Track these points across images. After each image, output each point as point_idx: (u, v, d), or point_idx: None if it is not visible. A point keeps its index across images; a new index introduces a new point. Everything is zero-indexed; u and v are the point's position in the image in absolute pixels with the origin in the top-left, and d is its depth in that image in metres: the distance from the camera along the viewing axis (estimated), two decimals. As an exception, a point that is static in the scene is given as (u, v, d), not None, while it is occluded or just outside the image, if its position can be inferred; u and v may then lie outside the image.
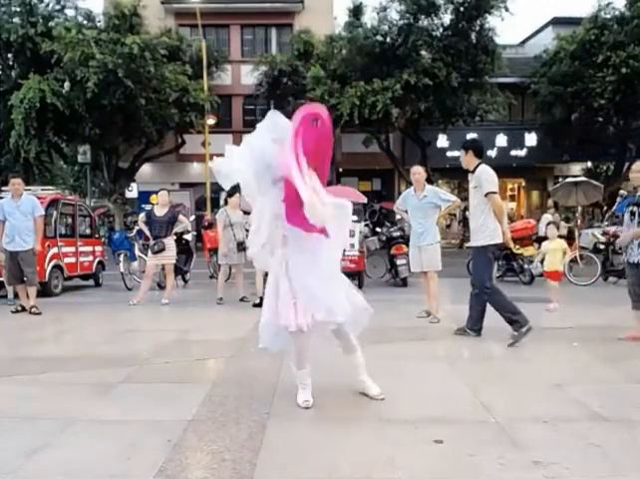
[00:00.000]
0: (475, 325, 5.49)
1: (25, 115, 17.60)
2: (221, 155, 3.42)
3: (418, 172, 6.48)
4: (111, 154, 21.74)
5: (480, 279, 5.36)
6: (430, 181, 6.57)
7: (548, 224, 8.56)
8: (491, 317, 6.32)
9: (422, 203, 6.38)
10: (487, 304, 5.42)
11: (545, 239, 7.94)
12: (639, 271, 5.24)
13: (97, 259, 10.84)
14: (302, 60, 21.09)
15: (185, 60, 20.72)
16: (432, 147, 22.18)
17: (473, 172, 5.43)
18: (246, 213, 8.31)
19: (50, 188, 14.50)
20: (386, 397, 3.58)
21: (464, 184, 27.02)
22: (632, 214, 5.24)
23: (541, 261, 7.67)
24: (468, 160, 5.47)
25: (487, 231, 5.29)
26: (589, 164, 22.68)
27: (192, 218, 13.41)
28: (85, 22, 20.21)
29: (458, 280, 10.34)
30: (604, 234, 11.06)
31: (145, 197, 20.54)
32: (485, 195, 5.27)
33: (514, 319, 5.17)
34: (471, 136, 23.38)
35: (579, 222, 14.84)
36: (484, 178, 5.29)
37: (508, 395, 3.67)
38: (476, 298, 5.45)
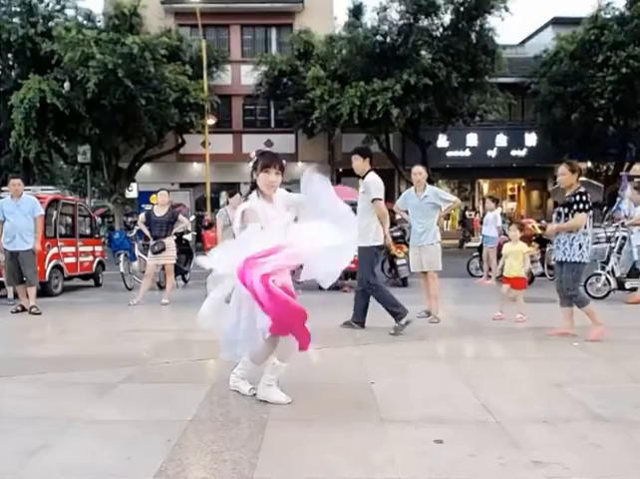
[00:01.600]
0: (359, 319, 5.85)
1: (25, 115, 17.62)
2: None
3: (419, 172, 6.49)
4: (111, 154, 21.75)
5: (365, 277, 5.71)
6: (430, 181, 6.58)
7: (511, 224, 7.15)
8: (490, 317, 6.33)
9: (422, 203, 6.39)
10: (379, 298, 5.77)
11: None
12: (562, 270, 5.34)
13: (97, 259, 10.83)
14: (302, 60, 21.09)
15: (185, 60, 20.74)
16: (432, 147, 22.19)
17: (363, 178, 5.81)
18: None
19: (50, 188, 14.49)
20: (386, 397, 3.59)
21: (464, 184, 27.20)
22: (559, 214, 5.34)
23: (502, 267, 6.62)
24: (363, 166, 5.82)
25: (371, 233, 5.65)
26: (589, 164, 22.67)
27: (192, 218, 13.41)
28: (85, 22, 20.27)
29: (458, 280, 10.36)
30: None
31: (145, 197, 20.57)
32: (372, 200, 5.63)
33: (396, 312, 5.59)
34: (471, 136, 23.57)
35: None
36: (373, 186, 5.68)
37: (508, 395, 3.67)
38: (360, 294, 5.84)
